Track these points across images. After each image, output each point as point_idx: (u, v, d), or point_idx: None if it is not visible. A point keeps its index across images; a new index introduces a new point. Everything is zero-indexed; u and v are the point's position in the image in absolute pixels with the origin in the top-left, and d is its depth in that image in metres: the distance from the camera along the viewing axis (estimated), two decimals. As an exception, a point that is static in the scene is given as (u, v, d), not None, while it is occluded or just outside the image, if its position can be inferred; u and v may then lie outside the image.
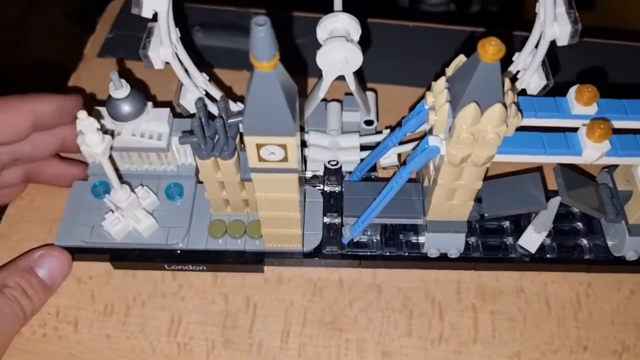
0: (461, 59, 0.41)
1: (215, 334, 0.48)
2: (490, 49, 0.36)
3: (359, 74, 0.53)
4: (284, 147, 0.39)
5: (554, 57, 0.48)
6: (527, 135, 0.42)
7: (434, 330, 0.49)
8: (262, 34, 0.33)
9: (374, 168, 0.54)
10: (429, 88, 0.42)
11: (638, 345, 0.49)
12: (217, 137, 0.45)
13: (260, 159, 0.40)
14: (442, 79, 0.41)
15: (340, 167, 0.54)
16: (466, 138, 0.39)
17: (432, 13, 1.13)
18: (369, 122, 0.56)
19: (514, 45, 0.48)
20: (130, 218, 0.49)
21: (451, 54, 0.41)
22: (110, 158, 0.51)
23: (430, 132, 0.42)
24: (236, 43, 0.68)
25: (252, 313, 0.49)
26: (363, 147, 0.55)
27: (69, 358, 0.47)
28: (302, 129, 0.55)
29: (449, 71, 0.41)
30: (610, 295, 0.51)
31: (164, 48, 0.42)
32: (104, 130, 0.46)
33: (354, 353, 0.48)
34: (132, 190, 0.49)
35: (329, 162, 0.54)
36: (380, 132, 0.56)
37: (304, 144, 0.54)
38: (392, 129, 0.55)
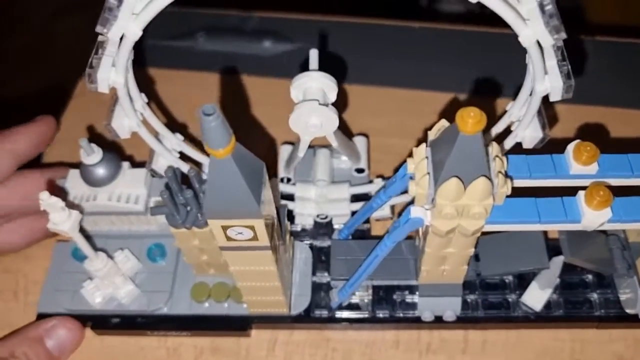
0: (443, 123, 0.37)
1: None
2: (470, 120, 0.33)
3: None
4: (251, 227, 0.36)
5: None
6: (520, 202, 0.38)
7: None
8: (212, 124, 0.31)
9: (367, 219, 0.51)
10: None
11: None
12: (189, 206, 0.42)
13: (229, 239, 0.37)
14: (423, 147, 0.37)
15: (331, 221, 0.51)
16: (449, 213, 0.36)
17: (452, 13, 1.08)
18: (360, 170, 0.53)
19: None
20: (109, 285, 0.47)
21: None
22: (90, 220, 0.50)
23: (413, 201, 0.39)
24: (239, 47, 0.67)
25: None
26: (355, 198, 0.52)
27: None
28: (288, 181, 0.52)
29: (431, 135, 0.38)
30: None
31: (128, 119, 0.40)
32: (70, 205, 0.44)
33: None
34: (110, 256, 0.47)
35: (317, 215, 0.51)
36: (372, 181, 0.52)
37: (291, 198, 0.51)
38: (385, 178, 0.52)
